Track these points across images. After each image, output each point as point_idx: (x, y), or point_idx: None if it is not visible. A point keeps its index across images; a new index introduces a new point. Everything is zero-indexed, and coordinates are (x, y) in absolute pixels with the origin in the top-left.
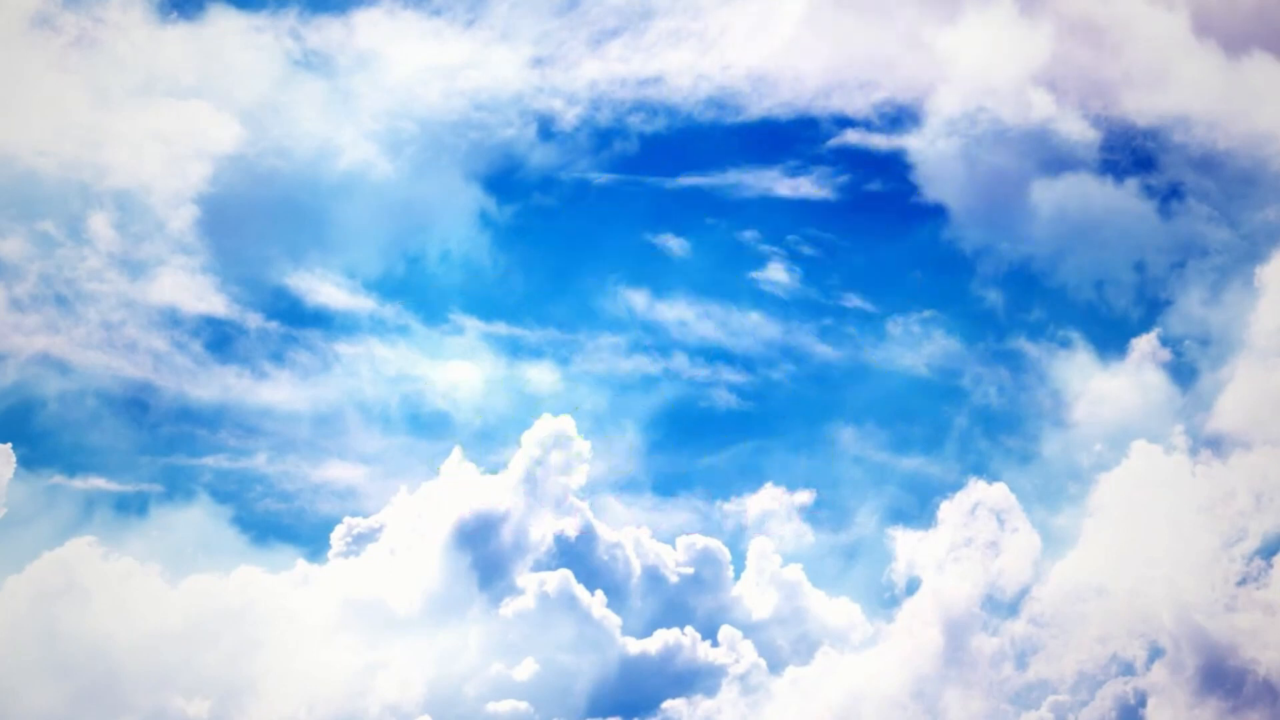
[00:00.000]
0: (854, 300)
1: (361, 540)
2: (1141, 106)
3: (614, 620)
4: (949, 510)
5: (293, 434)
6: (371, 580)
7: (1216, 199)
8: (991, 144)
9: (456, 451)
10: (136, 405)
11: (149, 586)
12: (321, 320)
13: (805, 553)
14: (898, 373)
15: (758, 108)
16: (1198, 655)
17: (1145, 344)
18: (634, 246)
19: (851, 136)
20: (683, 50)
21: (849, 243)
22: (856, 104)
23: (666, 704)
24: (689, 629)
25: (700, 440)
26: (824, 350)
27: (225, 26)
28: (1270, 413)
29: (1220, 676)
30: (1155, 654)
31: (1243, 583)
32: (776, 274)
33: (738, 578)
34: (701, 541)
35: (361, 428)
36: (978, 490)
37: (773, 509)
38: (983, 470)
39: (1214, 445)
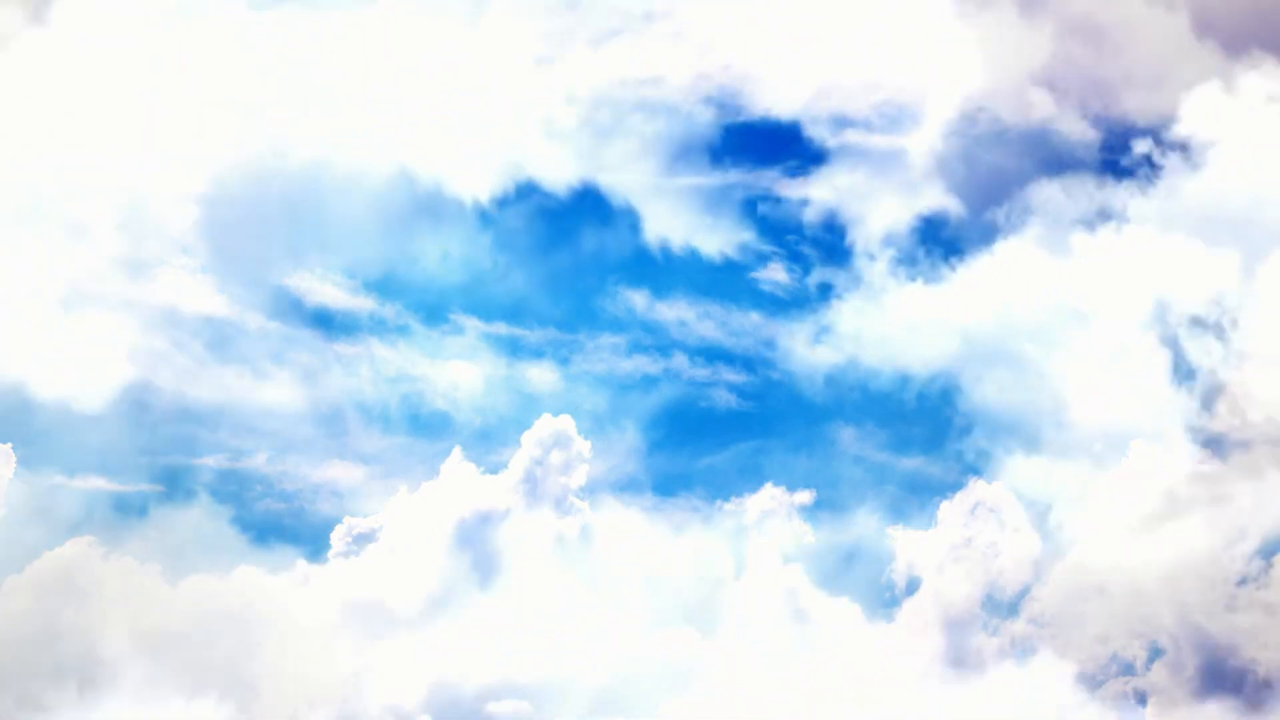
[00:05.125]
0: (854, 300)
1: (361, 540)
2: (1141, 106)
3: (615, 620)
4: (949, 510)
5: (293, 434)
6: (371, 580)
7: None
8: (991, 144)
9: (456, 451)
10: (136, 405)
11: (149, 586)
12: (321, 320)
13: (805, 553)
14: (898, 373)
15: (758, 108)
16: (1198, 655)
17: (1145, 344)
18: (634, 246)
19: (851, 136)
20: (683, 50)
21: (849, 243)
22: (856, 104)
23: (667, 704)
24: (689, 629)
25: (700, 440)
26: (824, 350)
27: (225, 26)
28: (1270, 413)
29: (1220, 676)
30: (1155, 654)
31: (1243, 583)
32: (776, 274)
33: (738, 578)
34: (702, 541)
35: (361, 428)
36: (978, 490)
37: (773, 509)
38: (983, 470)
39: (1214, 445)
